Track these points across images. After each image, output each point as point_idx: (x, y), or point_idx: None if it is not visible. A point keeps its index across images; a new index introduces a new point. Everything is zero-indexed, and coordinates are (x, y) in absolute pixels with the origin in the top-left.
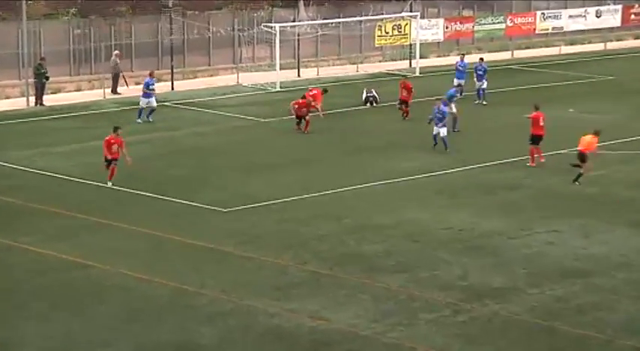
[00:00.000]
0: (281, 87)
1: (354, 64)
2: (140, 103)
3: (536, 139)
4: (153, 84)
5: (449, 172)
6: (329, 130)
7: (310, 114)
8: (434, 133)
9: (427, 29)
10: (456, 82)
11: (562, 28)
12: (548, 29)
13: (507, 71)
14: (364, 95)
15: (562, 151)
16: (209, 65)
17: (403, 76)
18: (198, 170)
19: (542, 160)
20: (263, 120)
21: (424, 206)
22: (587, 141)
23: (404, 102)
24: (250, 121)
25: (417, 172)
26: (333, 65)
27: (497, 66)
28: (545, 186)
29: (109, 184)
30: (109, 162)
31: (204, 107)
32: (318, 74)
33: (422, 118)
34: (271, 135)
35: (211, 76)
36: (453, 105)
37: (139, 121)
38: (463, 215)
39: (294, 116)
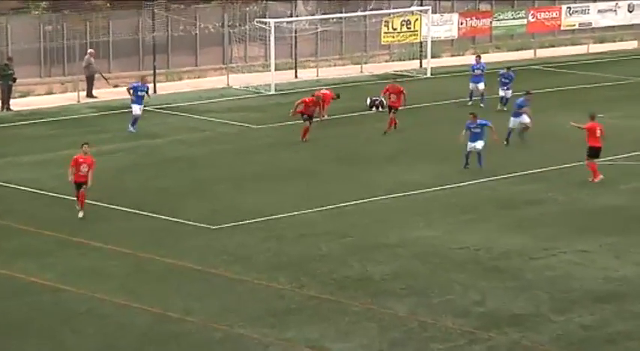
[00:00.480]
0: (276, 90)
1: (357, 64)
2: (133, 111)
3: (593, 152)
4: (143, 90)
5: (464, 185)
6: (330, 137)
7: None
8: (467, 150)
9: (440, 25)
10: (471, 86)
11: (590, 24)
12: (574, 25)
13: (529, 72)
14: (369, 100)
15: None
16: (196, 65)
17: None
18: (183, 183)
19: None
20: (256, 126)
21: (436, 223)
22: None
23: (392, 109)
24: (242, 127)
25: (427, 185)
26: (335, 65)
27: (518, 66)
28: (571, 200)
29: (81, 214)
30: (78, 186)
31: (190, 112)
32: (317, 75)
33: (433, 123)
34: (265, 143)
35: (198, 77)
36: (524, 115)
37: (132, 129)
38: (479, 233)
39: (300, 116)
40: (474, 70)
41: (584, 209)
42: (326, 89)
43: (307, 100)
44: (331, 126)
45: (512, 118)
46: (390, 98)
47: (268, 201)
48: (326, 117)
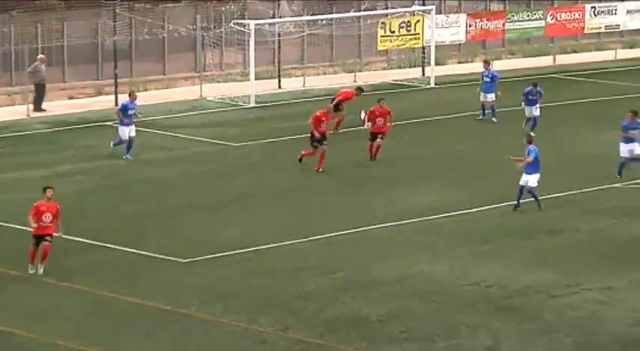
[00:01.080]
0: (257, 102)
1: (350, 72)
2: (122, 135)
3: None
4: (133, 108)
5: (474, 212)
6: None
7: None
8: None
9: (445, 28)
10: (482, 97)
11: (618, 26)
12: (600, 28)
13: (549, 81)
14: (363, 114)
15: (616, 185)
16: (164, 74)
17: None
18: (151, 209)
19: None
20: (234, 144)
21: (442, 256)
22: None
23: (379, 135)
24: (218, 145)
25: (432, 211)
26: (324, 74)
27: (535, 75)
28: (597, 229)
29: (41, 270)
30: (38, 239)
31: (158, 128)
32: (304, 85)
33: (438, 140)
34: (245, 164)
35: (167, 88)
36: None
37: (129, 157)
38: (492, 267)
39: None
40: (483, 78)
41: (611, 239)
42: (344, 90)
43: (319, 114)
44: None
45: (622, 145)
46: (375, 123)
47: (249, 230)
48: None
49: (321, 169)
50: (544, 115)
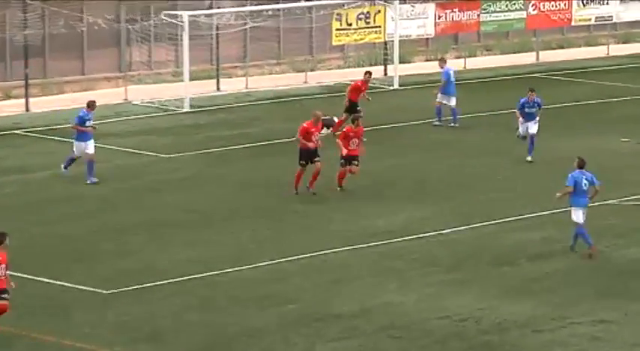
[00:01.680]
0: (192, 106)
1: (300, 71)
2: (76, 150)
3: None
4: (90, 119)
5: (447, 233)
6: (271, 169)
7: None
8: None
9: (411, 19)
10: (440, 98)
11: (611, 17)
12: (589, 20)
13: (531, 82)
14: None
15: (611, 202)
16: (82, 74)
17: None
18: (69, 233)
19: None
20: (167, 156)
21: (409, 285)
22: None
23: (352, 159)
24: (147, 157)
25: (398, 234)
26: (270, 74)
27: (516, 75)
28: (586, 253)
29: None
30: None
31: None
32: (246, 87)
33: (404, 151)
34: (180, 178)
35: (86, 90)
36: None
37: (93, 179)
38: (467, 298)
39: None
40: (446, 79)
41: (604, 265)
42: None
43: (306, 125)
44: (272, 154)
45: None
46: (348, 145)
47: (184, 256)
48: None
49: (312, 190)
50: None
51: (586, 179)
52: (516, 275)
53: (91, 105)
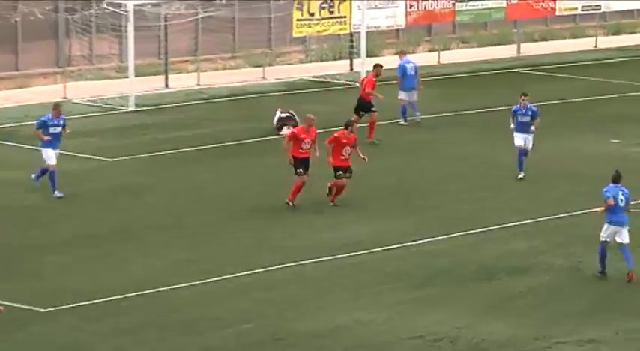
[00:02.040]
0: (137, 105)
1: (258, 66)
2: (47, 159)
3: None
4: (59, 125)
5: (418, 244)
6: (222, 174)
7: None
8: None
9: (379, 9)
10: (402, 96)
11: (599, 7)
12: (576, 9)
13: (512, 77)
14: (277, 117)
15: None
16: (16, 69)
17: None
18: (0, 246)
19: None
20: (110, 160)
21: (380, 301)
22: None
23: (345, 172)
24: (89, 161)
25: (368, 245)
26: (225, 69)
27: (494, 70)
28: (576, 266)
29: None
30: None
31: (9, 140)
32: (198, 83)
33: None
34: (126, 185)
35: (20, 87)
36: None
37: (37, 182)
38: (441, 315)
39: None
40: (403, 73)
41: (594, 280)
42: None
43: (297, 131)
44: (227, 158)
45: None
46: (341, 154)
47: (131, 271)
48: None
49: (292, 203)
50: (506, 120)
51: (622, 195)
52: (496, 290)
53: (56, 108)
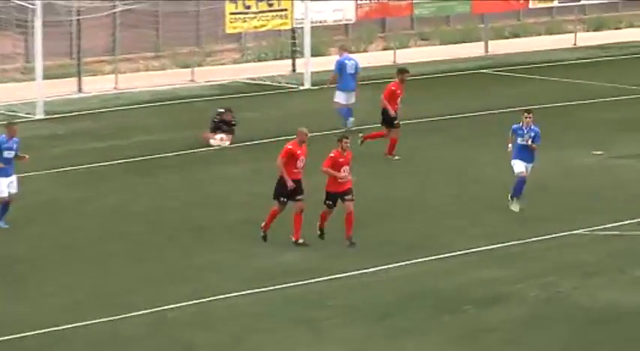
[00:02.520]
0: (47, 112)
1: (185, 67)
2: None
3: None
4: (11, 149)
5: (371, 272)
6: (146, 192)
7: None
8: None
9: (325, 1)
10: (339, 98)
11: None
12: (551, 2)
13: (478, 79)
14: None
15: (581, 231)
16: None
17: (272, 88)
18: None
19: None
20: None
21: (328, 337)
22: None
23: (344, 196)
24: None
25: (319, 272)
26: (147, 71)
27: (459, 71)
28: (554, 297)
29: None
30: None
31: None
32: (116, 87)
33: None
34: (30, 205)
35: None
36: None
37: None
38: None
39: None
40: (339, 71)
41: (574, 312)
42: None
43: (291, 147)
44: (151, 173)
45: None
46: (340, 178)
47: (32, 304)
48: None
49: (300, 241)
50: (483, 128)
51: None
52: (463, 324)
53: (11, 127)
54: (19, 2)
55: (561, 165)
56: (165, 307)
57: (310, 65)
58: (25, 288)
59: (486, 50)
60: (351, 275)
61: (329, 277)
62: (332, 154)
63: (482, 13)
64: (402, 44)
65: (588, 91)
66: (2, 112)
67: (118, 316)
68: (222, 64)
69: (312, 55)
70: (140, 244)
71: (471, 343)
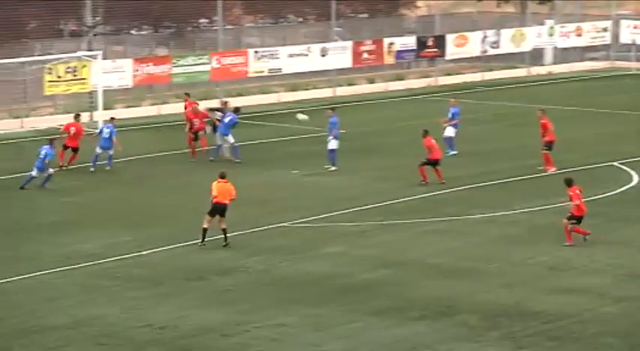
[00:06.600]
0: None
1: (17, 118)
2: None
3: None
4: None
5: (145, 254)
6: None
7: None
8: None
9: (111, 73)
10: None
11: (280, 69)
12: (263, 72)
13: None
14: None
15: (284, 224)
16: None
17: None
18: None
19: None
20: None
21: (114, 299)
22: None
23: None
24: None
25: (104, 255)
26: None
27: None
28: (266, 269)
29: None
30: None
31: None
32: None
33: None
34: None
35: None
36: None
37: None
38: (166, 309)
39: None
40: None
41: (281, 278)
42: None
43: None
44: None
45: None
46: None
47: None
48: None
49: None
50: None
51: None
52: (207, 289)
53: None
54: None
55: (266, 181)
56: (2, 281)
57: (102, 116)
58: None
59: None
60: (135, 255)
61: (113, 258)
62: None
63: (217, 79)
64: (164, 101)
65: (290, 131)
66: None
67: None
68: (42, 115)
69: (104, 109)
70: None
71: (213, 300)
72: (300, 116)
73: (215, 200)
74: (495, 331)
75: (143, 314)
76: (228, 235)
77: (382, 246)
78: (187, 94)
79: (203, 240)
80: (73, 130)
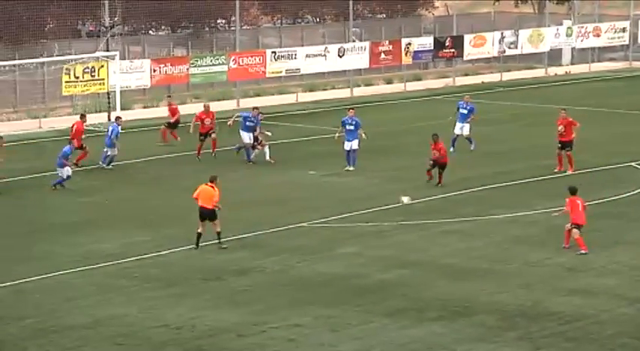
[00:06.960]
0: None
1: (35, 118)
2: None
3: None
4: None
5: (163, 254)
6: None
7: None
8: None
9: (129, 73)
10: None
11: (298, 70)
12: (281, 72)
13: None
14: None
15: (303, 224)
16: None
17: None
18: None
19: None
20: None
21: (131, 299)
22: (208, 193)
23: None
24: None
25: (122, 255)
26: (8, 120)
27: (218, 119)
28: (283, 269)
29: None
30: None
31: None
32: None
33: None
34: None
35: None
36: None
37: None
38: (182, 309)
39: None
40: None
41: (297, 278)
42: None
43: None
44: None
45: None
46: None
47: None
48: None
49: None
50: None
51: None
52: (223, 289)
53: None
54: None
55: (284, 181)
56: (22, 281)
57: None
58: None
59: (238, 105)
60: (152, 255)
61: (130, 259)
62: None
63: (234, 80)
64: (182, 101)
65: (308, 132)
66: None
67: None
68: (60, 115)
69: (121, 110)
70: (8, 234)
71: (228, 301)
72: (405, 199)
73: (199, 204)
74: (513, 332)
75: (160, 314)
76: (247, 235)
77: (399, 246)
78: (169, 96)
79: (197, 244)
80: (74, 128)
